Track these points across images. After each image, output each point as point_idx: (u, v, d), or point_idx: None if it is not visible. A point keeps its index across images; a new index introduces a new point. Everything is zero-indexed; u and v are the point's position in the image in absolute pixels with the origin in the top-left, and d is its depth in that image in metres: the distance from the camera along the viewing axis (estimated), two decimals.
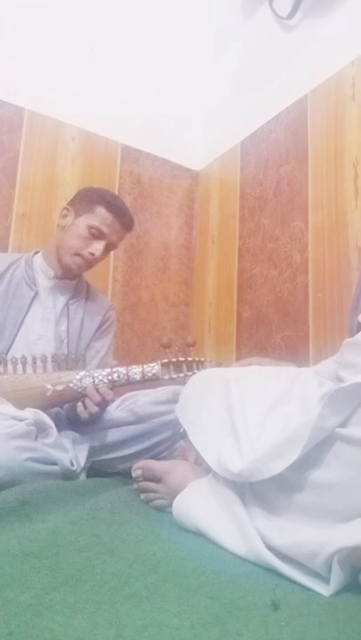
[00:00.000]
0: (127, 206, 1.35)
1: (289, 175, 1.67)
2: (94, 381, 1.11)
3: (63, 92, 1.82)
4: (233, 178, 1.95)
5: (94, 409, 1.09)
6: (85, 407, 1.11)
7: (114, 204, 1.29)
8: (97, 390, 1.10)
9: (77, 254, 1.27)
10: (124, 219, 1.30)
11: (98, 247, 1.26)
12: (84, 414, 1.11)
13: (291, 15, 1.68)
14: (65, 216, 1.32)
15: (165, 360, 1.14)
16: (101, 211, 1.27)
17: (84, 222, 1.27)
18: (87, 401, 1.10)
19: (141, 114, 1.99)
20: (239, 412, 0.71)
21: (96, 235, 1.26)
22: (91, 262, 1.30)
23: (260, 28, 1.87)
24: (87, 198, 1.31)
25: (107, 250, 1.31)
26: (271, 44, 1.79)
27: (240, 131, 1.91)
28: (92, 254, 1.26)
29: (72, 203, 1.33)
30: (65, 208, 1.33)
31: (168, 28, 2.08)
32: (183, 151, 2.13)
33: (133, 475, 0.91)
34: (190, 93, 2.17)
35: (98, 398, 1.09)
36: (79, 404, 1.12)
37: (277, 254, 1.68)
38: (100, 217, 1.26)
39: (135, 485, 0.91)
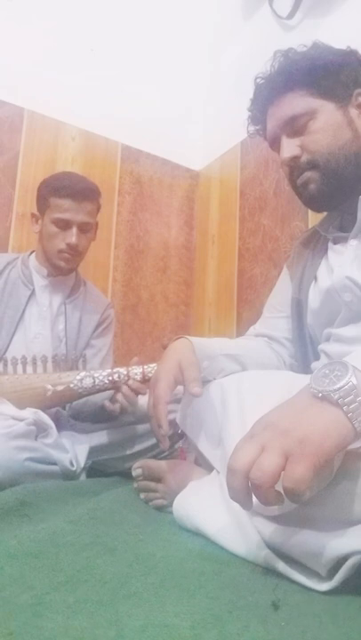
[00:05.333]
0: (77, 176, 1.32)
1: None
2: (95, 382, 1.11)
3: (63, 91, 1.82)
4: (233, 178, 1.95)
5: (126, 404, 1.11)
6: (115, 401, 1.12)
7: (61, 188, 1.26)
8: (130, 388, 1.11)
9: (60, 251, 1.27)
10: (77, 195, 1.25)
11: (71, 236, 1.26)
12: (113, 408, 1.12)
13: (291, 15, 1.68)
14: (36, 222, 1.33)
15: None
16: (54, 201, 1.26)
17: (48, 220, 1.27)
18: (119, 396, 1.11)
19: (141, 114, 1.99)
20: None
21: (62, 225, 1.26)
22: (77, 251, 1.29)
23: (260, 27, 1.87)
24: (40, 195, 1.31)
25: (84, 231, 1.28)
26: (271, 44, 1.78)
27: (240, 131, 1.89)
28: (69, 245, 1.26)
29: (36, 207, 1.33)
30: (32, 215, 1.34)
31: (168, 28, 2.08)
32: (183, 151, 2.13)
33: (133, 474, 0.91)
34: (190, 93, 2.17)
35: (133, 397, 1.11)
36: (106, 401, 1.14)
37: (277, 254, 1.68)
38: (55, 207, 1.25)
39: (135, 484, 0.91)
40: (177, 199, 2.12)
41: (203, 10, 2.16)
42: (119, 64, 1.97)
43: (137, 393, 1.11)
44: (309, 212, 1.57)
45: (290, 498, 0.47)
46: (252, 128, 0.96)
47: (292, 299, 0.97)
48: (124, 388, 1.10)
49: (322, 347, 0.88)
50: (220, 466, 0.72)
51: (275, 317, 1.02)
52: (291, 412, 0.52)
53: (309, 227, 1.59)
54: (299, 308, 0.94)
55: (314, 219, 1.55)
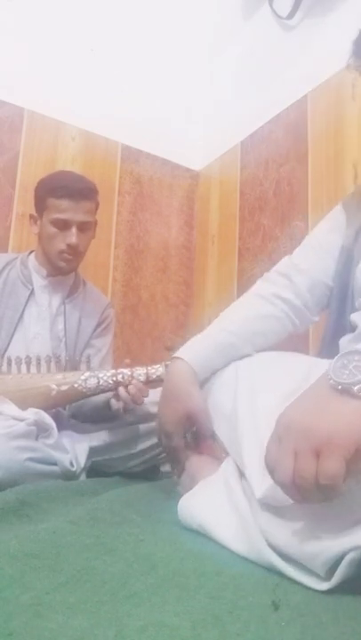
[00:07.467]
0: (74, 175, 1.31)
1: (289, 175, 1.67)
2: (99, 382, 1.11)
3: (63, 91, 1.82)
4: (233, 178, 1.95)
5: (130, 403, 1.12)
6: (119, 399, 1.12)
7: (58, 188, 1.25)
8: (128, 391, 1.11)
9: (60, 252, 1.27)
10: (75, 195, 1.24)
11: (70, 236, 1.25)
12: (118, 406, 1.14)
13: (291, 15, 1.68)
14: (34, 224, 1.32)
15: (169, 362, 1.14)
16: (52, 201, 1.25)
17: (46, 221, 1.26)
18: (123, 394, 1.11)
19: (141, 114, 1.99)
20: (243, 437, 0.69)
21: (61, 226, 1.25)
22: (78, 251, 1.29)
23: (260, 28, 1.87)
24: (38, 196, 1.30)
25: (83, 230, 1.27)
26: (271, 44, 1.79)
27: (240, 131, 1.90)
28: (69, 245, 1.26)
29: (34, 208, 1.33)
30: (30, 216, 1.34)
31: (168, 28, 2.08)
32: (183, 151, 2.13)
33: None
34: (190, 93, 2.17)
35: (140, 398, 1.11)
36: (112, 400, 1.14)
37: (277, 254, 1.68)
38: (53, 208, 1.25)
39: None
40: (177, 199, 2.12)
41: (203, 10, 2.16)
42: (119, 64, 1.97)
43: (141, 394, 1.11)
44: (309, 211, 1.57)
45: (327, 494, 0.49)
46: (358, 62, 0.86)
47: (342, 246, 0.86)
48: (132, 388, 1.10)
49: (353, 317, 0.79)
50: (233, 450, 0.72)
51: (319, 256, 0.90)
52: (312, 408, 0.53)
53: (309, 227, 1.59)
54: (348, 259, 0.84)
55: (314, 219, 1.55)
